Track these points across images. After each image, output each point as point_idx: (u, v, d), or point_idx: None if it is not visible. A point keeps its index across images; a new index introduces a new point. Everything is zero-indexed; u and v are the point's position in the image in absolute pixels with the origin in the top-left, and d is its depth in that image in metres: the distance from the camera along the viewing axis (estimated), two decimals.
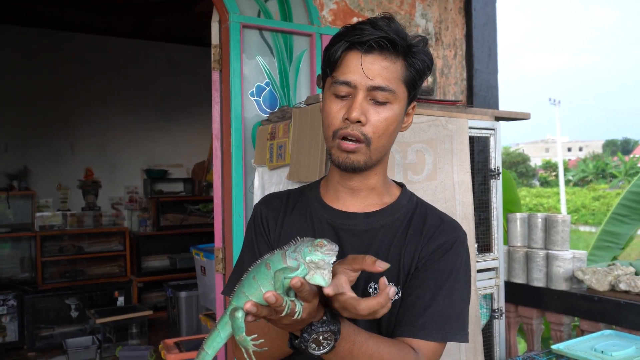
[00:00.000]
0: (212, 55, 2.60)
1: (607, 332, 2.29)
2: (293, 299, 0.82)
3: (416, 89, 1.10)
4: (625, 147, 52.38)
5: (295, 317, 0.83)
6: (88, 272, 5.81)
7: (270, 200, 1.22)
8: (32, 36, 6.00)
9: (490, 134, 2.40)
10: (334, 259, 0.84)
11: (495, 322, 2.44)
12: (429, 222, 1.12)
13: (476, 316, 2.22)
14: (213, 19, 2.61)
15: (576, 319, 2.60)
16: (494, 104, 3.43)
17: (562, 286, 2.61)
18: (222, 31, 2.58)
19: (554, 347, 2.13)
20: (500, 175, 2.43)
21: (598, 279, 2.49)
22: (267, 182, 2.36)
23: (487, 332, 2.43)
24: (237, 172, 2.48)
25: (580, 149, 55.57)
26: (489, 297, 2.43)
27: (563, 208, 20.99)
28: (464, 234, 1.14)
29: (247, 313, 0.82)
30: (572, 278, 2.61)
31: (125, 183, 6.64)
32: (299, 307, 0.83)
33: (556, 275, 2.62)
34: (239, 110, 2.50)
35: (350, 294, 0.87)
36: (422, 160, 2.14)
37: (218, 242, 2.59)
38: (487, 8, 3.45)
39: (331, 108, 1.06)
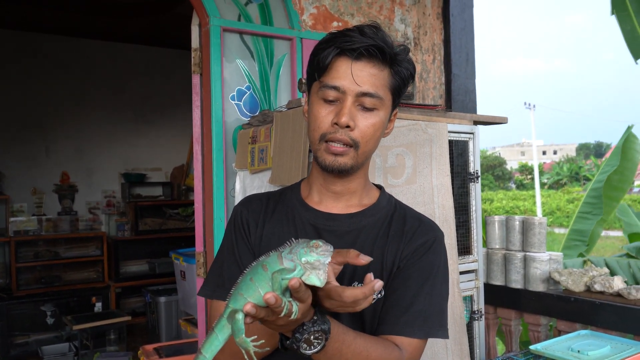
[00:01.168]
0: (192, 59, 2.59)
1: (583, 332, 2.34)
2: (290, 299, 0.84)
3: (400, 96, 1.13)
4: (598, 150, 53.54)
5: (292, 317, 0.84)
6: (64, 277, 5.71)
7: (250, 201, 1.23)
8: (4, 37, 5.88)
9: (469, 138, 2.44)
10: (329, 259, 0.86)
11: (475, 323, 2.47)
12: (408, 222, 1.16)
13: (461, 318, 2.24)
14: (193, 22, 2.60)
15: (553, 319, 2.65)
16: (472, 108, 3.48)
17: (540, 287, 2.65)
18: (202, 35, 2.57)
19: (532, 347, 2.17)
20: (479, 179, 2.47)
21: (574, 280, 2.54)
22: (248, 185, 2.35)
23: (467, 334, 2.45)
24: (218, 176, 2.48)
25: (555, 152, 56.61)
26: (469, 299, 2.46)
27: (539, 210, 21.35)
28: (442, 233, 1.19)
29: (246, 315, 0.83)
30: (549, 279, 2.66)
31: (102, 187, 6.54)
32: (295, 307, 0.84)
33: (533, 277, 2.66)
34: (219, 114, 2.49)
35: (335, 283, 0.90)
36: (402, 164, 2.16)
37: (199, 246, 2.57)
38: (464, 14, 3.50)
39: (319, 112, 1.08)
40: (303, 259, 0.84)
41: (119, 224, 6.22)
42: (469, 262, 2.43)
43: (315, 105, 1.09)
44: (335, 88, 1.05)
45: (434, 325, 1.09)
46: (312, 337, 0.89)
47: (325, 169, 1.10)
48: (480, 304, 2.47)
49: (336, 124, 1.05)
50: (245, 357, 0.87)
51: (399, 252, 1.12)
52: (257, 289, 0.85)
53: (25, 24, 5.79)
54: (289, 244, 0.88)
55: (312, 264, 0.84)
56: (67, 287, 5.61)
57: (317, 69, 1.08)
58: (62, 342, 5.01)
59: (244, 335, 0.85)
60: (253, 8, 2.66)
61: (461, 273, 2.36)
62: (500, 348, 3.58)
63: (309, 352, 0.90)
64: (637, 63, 4.35)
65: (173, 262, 4.31)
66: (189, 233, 5.72)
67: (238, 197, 2.38)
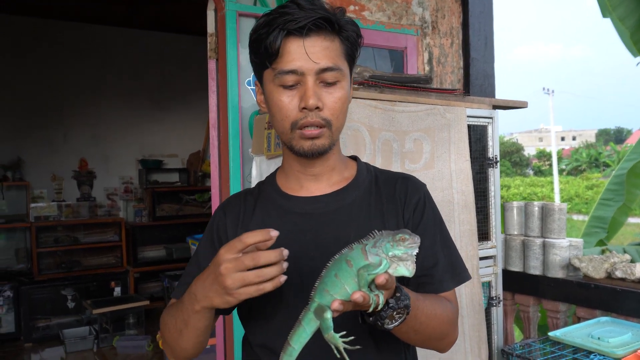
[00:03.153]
0: (208, 44, 2.58)
1: (604, 319, 2.31)
2: (377, 292, 0.84)
3: (354, 61, 1.10)
4: (618, 136, 52.61)
5: (379, 307, 0.85)
6: (84, 262, 5.80)
7: (229, 203, 1.20)
8: (23, 25, 5.92)
9: (488, 123, 2.40)
10: (417, 250, 0.86)
11: (493, 309, 2.46)
12: (397, 186, 1.15)
13: (480, 304, 2.23)
14: (209, 7, 2.59)
15: (573, 306, 2.62)
16: (491, 93, 3.42)
17: (559, 274, 2.62)
18: (218, 20, 2.56)
19: (550, 334, 2.15)
20: (498, 164, 2.44)
21: (594, 267, 2.51)
22: (265, 171, 2.35)
23: (485, 320, 2.44)
24: (235, 161, 2.47)
25: (574, 138, 55.77)
26: (487, 285, 2.45)
27: (557, 197, 21.11)
28: (424, 184, 1.20)
29: (334, 311, 0.84)
30: (569, 266, 2.63)
31: (120, 173, 6.60)
32: (382, 298, 0.85)
33: (553, 263, 2.63)
34: (235, 99, 2.48)
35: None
36: (419, 149, 2.14)
37: None
38: None
39: (281, 100, 1.03)
40: (390, 253, 0.84)
41: (137, 210, 6.29)
42: (487, 248, 2.41)
43: (275, 94, 1.04)
44: (293, 72, 1.01)
45: (461, 271, 1.15)
46: (395, 312, 0.90)
47: (305, 155, 1.07)
48: (498, 290, 2.46)
49: (304, 108, 1.01)
50: (336, 353, 0.88)
51: (400, 217, 1.12)
52: (342, 286, 0.85)
53: (43, 11, 5.82)
54: (372, 236, 0.87)
55: (400, 257, 0.84)
56: (87, 272, 5.69)
57: (267, 56, 1.02)
58: (83, 326, 5.11)
59: (332, 332, 0.86)
60: None
61: (480, 259, 2.34)
62: (517, 334, 3.55)
63: (391, 326, 0.90)
64: (635, 57, 4.33)
65: (190, 248, 4.35)
66: (205, 219, 5.76)
67: (254, 183, 2.38)
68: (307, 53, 1.00)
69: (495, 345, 2.48)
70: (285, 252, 0.87)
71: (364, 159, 1.98)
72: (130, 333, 4.98)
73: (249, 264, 0.86)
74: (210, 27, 2.58)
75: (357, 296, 0.81)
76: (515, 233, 2.83)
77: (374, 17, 3.01)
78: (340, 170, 1.15)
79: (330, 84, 1.03)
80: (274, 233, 0.87)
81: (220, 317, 1.93)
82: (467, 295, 2.21)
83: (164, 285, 5.45)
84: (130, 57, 6.56)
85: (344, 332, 0.87)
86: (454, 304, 1.12)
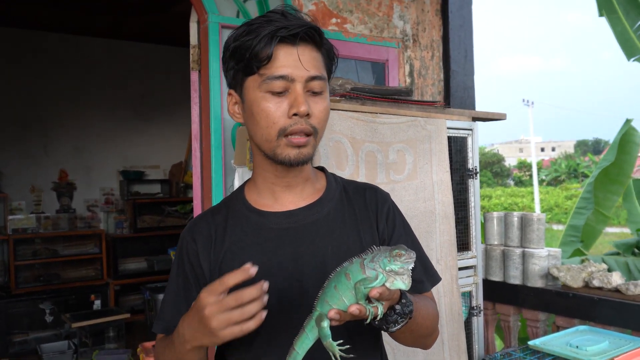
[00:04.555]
0: (191, 56, 2.58)
1: (582, 327, 2.35)
2: (376, 304, 0.89)
3: (332, 70, 1.12)
4: (596, 147, 53.57)
5: (377, 318, 0.90)
6: (63, 275, 5.70)
7: (196, 228, 1.14)
8: (4, 35, 5.86)
9: (468, 134, 2.44)
10: (413, 265, 0.90)
11: (474, 319, 2.48)
12: (367, 196, 1.17)
13: (459, 314, 2.24)
14: (191, 19, 2.60)
15: (552, 315, 2.66)
16: (471, 105, 3.48)
17: (538, 283, 2.66)
18: (200, 31, 2.57)
19: (530, 343, 2.18)
20: (478, 175, 2.47)
21: (572, 276, 2.55)
22: None
23: (466, 330, 2.46)
24: (217, 172, 2.47)
25: (553, 149, 56.63)
26: (468, 295, 2.47)
27: (537, 207, 21.37)
28: (388, 193, 1.22)
29: (331, 320, 0.88)
30: (548, 275, 2.67)
31: (100, 185, 6.53)
32: (380, 309, 0.89)
33: (532, 273, 2.67)
34: (218, 110, 2.49)
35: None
36: (402, 160, 2.16)
37: None
38: (463, 10, 3.50)
39: (269, 107, 1.02)
40: (387, 268, 0.88)
41: (118, 222, 6.21)
42: (467, 258, 2.44)
43: (261, 101, 1.02)
44: (283, 77, 1.00)
45: (433, 272, 1.20)
46: (399, 317, 0.94)
47: (289, 164, 1.04)
48: (479, 300, 2.48)
49: (295, 114, 1.01)
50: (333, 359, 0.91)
51: (373, 228, 1.13)
52: (340, 297, 0.90)
53: (25, 22, 5.77)
54: (370, 251, 0.91)
55: (396, 271, 0.88)
56: (66, 285, 5.59)
57: (256, 61, 1.01)
58: (61, 340, 5.00)
59: (330, 339, 0.90)
60: (252, 5, 2.65)
61: (460, 269, 2.37)
62: (498, 344, 3.58)
63: (394, 329, 0.95)
64: (629, 61, 4.40)
65: (171, 260, 4.31)
66: None
67: None
68: (301, 60, 1.01)
69: (477, 355, 2.50)
70: (266, 285, 0.88)
71: (346, 170, 2.00)
72: (110, 347, 4.90)
73: (232, 304, 0.86)
74: (193, 38, 2.59)
75: (354, 309, 0.85)
76: (496, 243, 2.87)
77: (356, 29, 3.05)
78: (312, 181, 1.15)
79: (316, 93, 1.04)
80: (253, 270, 0.87)
81: None
82: (447, 305, 2.23)
83: (145, 297, 5.38)
84: (113, 67, 6.52)
85: (341, 341, 0.91)
86: (435, 302, 1.18)
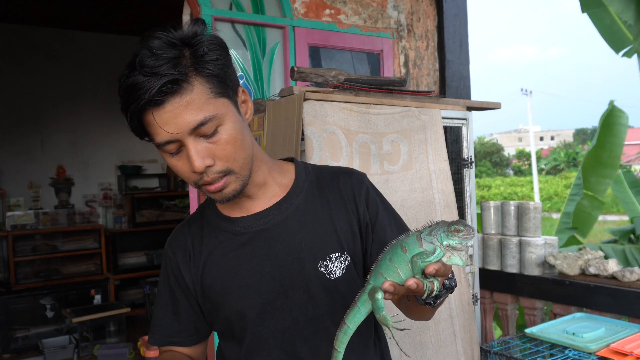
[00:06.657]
0: None
1: (578, 314, 2.36)
2: (431, 279, 0.86)
3: (229, 81, 0.99)
4: (595, 135, 53.49)
5: (433, 294, 0.87)
6: (63, 271, 5.72)
7: (174, 240, 1.17)
8: None
9: (463, 124, 2.44)
10: (472, 241, 0.87)
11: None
12: (341, 181, 1.14)
13: (469, 304, 2.23)
14: (184, 12, 2.59)
15: (549, 303, 2.67)
16: (466, 95, 3.47)
17: (535, 272, 2.67)
18: None
19: (527, 330, 2.19)
20: (473, 164, 2.47)
21: (569, 264, 2.55)
22: None
23: None
24: None
25: (552, 138, 56.59)
26: None
27: (536, 196, 21.40)
28: (364, 173, 1.19)
29: (385, 292, 0.85)
30: (544, 263, 2.68)
31: (98, 180, 6.53)
32: (436, 285, 0.86)
33: (529, 261, 2.68)
34: None
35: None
36: (397, 151, 2.16)
37: None
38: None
39: (175, 166, 1.00)
40: (445, 243, 0.85)
41: (116, 217, 6.22)
42: None
43: (167, 160, 1.00)
44: (168, 142, 0.95)
45: None
46: (444, 292, 0.95)
47: (222, 203, 1.06)
48: (476, 289, 2.49)
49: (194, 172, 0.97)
50: (386, 333, 0.91)
51: (353, 213, 1.11)
52: (396, 270, 0.88)
53: (17, 16, 5.74)
54: (428, 224, 0.89)
55: (454, 247, 0.86)
56: (66, 280, 5.61)
57: (140, 134, 0.99)
58: (62, 335, 5.03)
59: (384, 313, 0.88)
60: None
61: None
62: (496, 332, 3.60)
63: (435, 303, 0.95)
64: (618, 54, 4.39)
65: None
66: None
67: None
68: (171, 122, 0.92)
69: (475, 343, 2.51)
70: None
71: (340, 161, 2.00)
72: (111, 341, 4.92)
73: None
74: None
75: (411, 283, 0.83)
76: (493, 232, 2.87)
77: (350, 20, 3.03)
78: (275, 179, 1.13)
79: (211, 135, 0.96)
80: None
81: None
82: (456, 295, 2.21)
83: (145, 292, 5.40)
84: (108, 62, 6.49)
85: (395, 314, 0.90)
86: None
